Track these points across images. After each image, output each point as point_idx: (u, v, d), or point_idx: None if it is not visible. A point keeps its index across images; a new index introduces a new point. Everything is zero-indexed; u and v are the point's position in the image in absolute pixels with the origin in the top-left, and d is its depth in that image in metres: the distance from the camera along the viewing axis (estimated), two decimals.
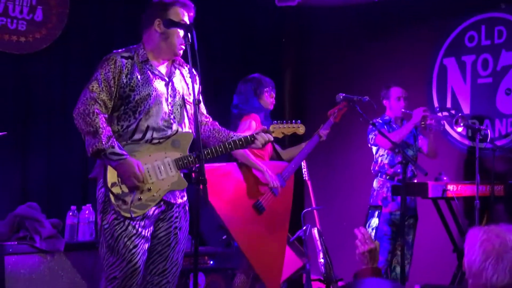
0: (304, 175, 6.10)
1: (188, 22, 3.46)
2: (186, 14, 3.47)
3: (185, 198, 3.56)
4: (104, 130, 3.25)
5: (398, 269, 5.38)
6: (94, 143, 3.24)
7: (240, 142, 3.51)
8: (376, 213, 5.44)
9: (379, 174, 5.49)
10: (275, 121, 3.65)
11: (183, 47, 3.47)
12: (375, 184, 5.51)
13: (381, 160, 5.49)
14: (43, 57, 5.59)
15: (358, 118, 4.73)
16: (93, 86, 3.31)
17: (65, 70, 5.71)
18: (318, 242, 5.93)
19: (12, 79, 5.51)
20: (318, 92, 7.01)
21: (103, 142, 3.23)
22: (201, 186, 3.15)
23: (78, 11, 5.75)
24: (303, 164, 6.02)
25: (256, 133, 3.53)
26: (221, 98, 6.62)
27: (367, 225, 5.51)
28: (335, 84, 6.57)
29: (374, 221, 5.44)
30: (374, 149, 5.57)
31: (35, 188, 5.50)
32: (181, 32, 3.43)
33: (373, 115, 5.22)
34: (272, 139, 3.56)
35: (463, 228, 5.37)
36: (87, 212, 4.98)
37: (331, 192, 6.81)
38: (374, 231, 5.36)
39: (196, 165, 3.33)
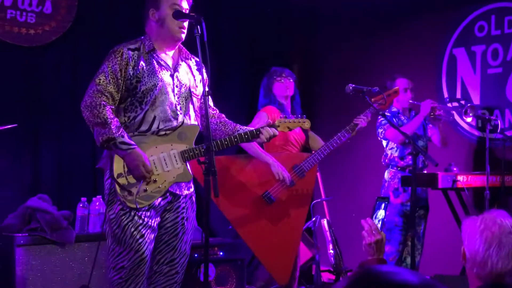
0: None
1: (185, 6, 3.48)
2: (183, 0, 3.48)
3: (191, 190, 3.58)
4: (112, 121, 3.28)
5: (409, 260, 5.38)
6: (105, 132, 3.27)
7: (246, 136, 3.53)
8: (383, 205, 5.42)
9: (390, 166, 5.48)
10: (281, 115, 3.66)
11: (184, 30, 3.47)
12: (386, 175, 5.51)
13: (391, 153, 5.48)
14: (52, 49, 5.61)
15: (368, 109, 4.72)
16: (99, 79, 3.34)
17: (75, 62, 5.72)
18: (328, 233, 5.94)
19: (22, 71, 5.53)
20: (327, 84, 7.01)
21: (113, 131, 3.25)
22: (211, 178, 3.17)
23: (87, 3, 5.76)
24: None
25: (262, 127, 3.54)
26: (228, 90, 6.64)
27: (374, 216, 5.51)
28: (344, 75, 6.55)
29: (381, 213, 5.43)
30: (384, 142, 5.56)
31: (45, 180, 5.53)
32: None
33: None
34: (277, 133, 3.57)
35: None
36: (97, 203, 5.00)
37: (341, 183, 6.81)
38: (380, 222, 5.34)
39: (201, 157, 3.35)
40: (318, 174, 6.09)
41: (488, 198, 5.07)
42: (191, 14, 3.41)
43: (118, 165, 3.33)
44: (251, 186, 4.66)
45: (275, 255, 4.66)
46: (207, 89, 3.33)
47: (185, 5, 3.49)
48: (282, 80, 4.96)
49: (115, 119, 3.31)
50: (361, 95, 4.57)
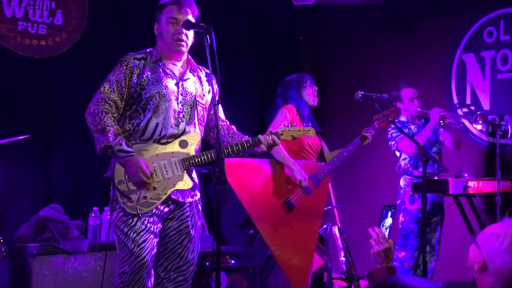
0: None
1: (181, 19, 3.48)
2: (184, 10, 3.51)
3: (196, 197, 3.59)
4: (111, 128, 3.34)
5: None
6: (102, 140, 3.33)
7: (248, 144, 3.53)
8: (389, 213, 5.44)
9: (405, 173, 5.48)
10: (285, 124, 3.67)
11: (182, 43, 3.50)
12: (401, 182, 5.50)
13: (405, 164, 5.48)
14: (63, 60, 5.66)
15: (374, 123, 4.74)
16: (104, 87, 3.42)
17: (86, 73, 5.76)
18: (339, 240, 5.94)
19: (33, 82, 5.58)
20: (336, 91, 7.01)
21: (110, 140, 3.31)
22: (221, 187, 3.16)
23: (97, 14, 5.81)
24: None
25: (263, 136, 3.53)
26: (238, 98, 6.66)
27: (381, 224, 5.51)
28: (353, 83, 6.56)
29: (388, 221, 5.45)
30: (397, 153, 5.56)
31: (58, 190, 5.57)
32: (172, 28, 3.48)
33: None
34: (278, 143, 3.56)
35: (485, 225, 5.34)
36: (109, 213, 5.02)
37: (351, 190, 6.81)
38: (388, 230, 5.35)
39: (204, 165, 3.38)
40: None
41: (499, 203, 5.06)
42: (200, 24, 3.39)
43: (119, 172, 3.39)
44: (276, 191, 4.73)
45: (295, 261, 4.70)
46: (217, 98, 3.34)
47: (183, 18, 3.49)
48: (314, 87, 5.04)
49: (115, 127, 3.37)
50: (370, 102, 4.59)
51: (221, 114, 3.73)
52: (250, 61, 6.95)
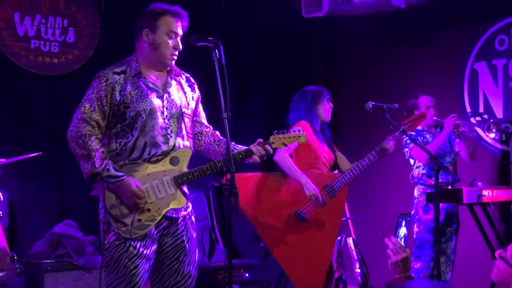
0: None
1: (180, 33, 3.39)
2: (179, 24, 3.38)
3: (189, 209, 3.46)
4: (97, 153, 3.19)
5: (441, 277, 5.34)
6: (88, 167, 3.19)
7: (240, 156, 3.40)
8: (404, 222, 5.41)
9: (419, 183, 5.45)
10: (275, 131, 3.51)
11: (175, 57, 3.40)
12: (415, 192, 5.47)
13: (419, 172, 5.46)
14: (76, 77, 5.69)
15: (389, 126, 4.70)
16: (85, 107, 3.25)
17: None
18: (354, 252, 5.92)
19: (46, 99, 5.64)
20: (349, 102, 7.00)
21: (96, 166, 3.17)
22: (232, 199, 3.10)
23: (108, 31, 5.86)
24: None
25: (254, 146, 3.42)
26: (250, 110, 6.68)
27: (397, 234, 5.48)
28: (365, 93, 6.55)
29: (402, 230, 5.42)
30: (411, 160, 5.54)
31: (72, 207, 5.59)
32: (172, 42, 3.35)
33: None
34: (271, 151, 3.44)
35: (500, 234, 5.31)
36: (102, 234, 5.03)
37: (366, 201, 6.78)
38: (403, 239, 5.32)
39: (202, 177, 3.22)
40: None
41: None
42: (209, 38, 3.33)
43: (110, 196, 3.24)
44: (284, 203, 4.65)
45: (306, 274, 4.64)
46: (225, 115, 3.21)
47: (181, 32, 3.39)
48: (330, 104, 4.96)
49: (100, 150, 3.21)
50: (381, 113, 4.58)
51: (204, 120, 3.61)
52: (263, 73, 6.96)
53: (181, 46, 3.39)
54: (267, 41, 7.01)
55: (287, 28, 7.00)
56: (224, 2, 6.38)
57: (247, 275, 5.25)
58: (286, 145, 3.52)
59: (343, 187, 4.69)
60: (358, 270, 5.78)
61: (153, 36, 3.35)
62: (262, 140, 3.45)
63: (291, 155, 4.71)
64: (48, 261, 4.67)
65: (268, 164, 4.76)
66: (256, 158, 3.41)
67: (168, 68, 3.44)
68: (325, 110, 4.92)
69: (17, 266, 4.29)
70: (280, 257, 4.63)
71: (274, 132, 3.50)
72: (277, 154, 4.63)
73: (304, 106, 4.89)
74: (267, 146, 3.42)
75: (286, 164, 4.62)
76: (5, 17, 5.44)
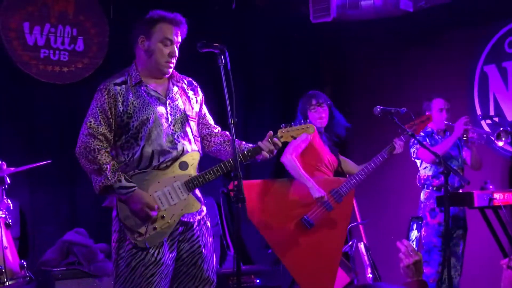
0: None
1: (178, 40, 3.37)
2: (176, 31, 3.36)
3: (203, 213, 3.46)
4: (108, 166, 3.20)
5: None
6: (101, 180, 3.19)
7: (249, 154, 3.38)
8: (415, 225, 5.37)
9: (425, 186, 5.43)
10: (283, 125, 3.48)
11: (171, 65, 3.38)
12: (422, 196, 5.46)
13: (425, 173, 5.44)
14: (86, 86, 5.71)
15: (398, 130, 4.69)
16: (90, 122, 3.26)
17: None
18: (365, 257, 5.88)
19: (56, 108, 5.67)
20: (358, 106, 6.99)
21: (109, 178, 3.18)
22: (240, 205, 3.08)
23: (117, 39, 5.88)
24: None
25: (262, 142, 3.40)
26: (259, 115, 6.68)
27: (408, 237, 5.45)
28: (375, 97, 6.55)
29: (414, 233, 5.38)
30: (418, 162, 5.52)
31: (82, 214, 5.62)
32: (167, 49, 3.33)
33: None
34: (280, 145, 3.42)
35: None
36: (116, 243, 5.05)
37: (376, 205, 6.76)
38: (415, 242, 5.29)
39: (229, 185, 3.20)
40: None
41: None
42: (214, 44, 3.30)
43: (124, 207, 3.25)
44: (290, 210, 4.63)
45: (315, 279, 4.62)
46: (232, 121, 3.19)
47: (177, 38, 3.37)
48: (315, 109, 4.84)
49: (111, 163, 3.22)
50: (389, 117, 4.57)
51: (211, 121, 3.60)
52: (271, 78, 6.98)
53: (177, 53, 3.37)
54: (276, 46, 7.02)
55: (295, 33, 7.00)
56: (233, 7, 6.39)
57: (257, 281, 5.24)
58: (295, 138, 3.49)
59: (349, 191, 4.67)
60: (370, 275, 5.75)
61: (148, 43, 3.34)
62: (271, 133, 3.43)
63: None
64: (58, 269, 4.69)
65: (275, 170, 4.73)
66: (265, 154, 3.38)
67: (167, 75, 3.43)
68: (315, 118, 4.84)
69: (28, 274, 4.31)
70: (289, 263, 4.62)
71: (281, 126, 3.48)
72: (284, 156, 4.62)
73: (300, 112, 4.88)
74: (275, 140, 3.40)
75: (293, 166, 4.60)
76: (14, 27, 5.49)
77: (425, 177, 5.43)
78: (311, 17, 6.21)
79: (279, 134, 3.45)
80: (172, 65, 3.38)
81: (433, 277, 5.29)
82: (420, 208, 5.45)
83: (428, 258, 5.32)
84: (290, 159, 4.60)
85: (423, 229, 5.38)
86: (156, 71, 3.38)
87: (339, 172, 5.04)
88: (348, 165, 5.04)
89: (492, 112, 5.98)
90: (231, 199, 3.20)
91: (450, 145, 5.27)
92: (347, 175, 4.91)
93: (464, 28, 6.25)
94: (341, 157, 5.03)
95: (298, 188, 4.64)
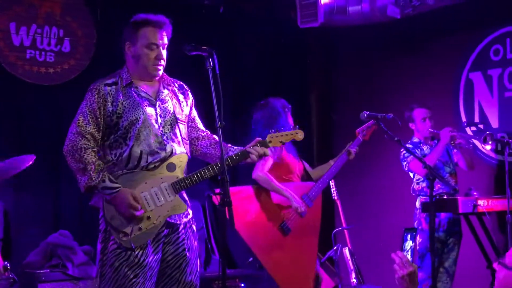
0: (333, 195, 6.10)
1: (164, 42, 3.37)
2: (160, 34, 3.35)
3: (190, 216, 3.46)
4: (93, 166, 3.21)
5: (440, 286, 5.34)
6: (85, 180, 3.20)
7: (237, 157, 3.38)
8: (409, 236, 5.40)
9: (420, 194, 5.44)
10: (272, 130, 3.49)
11: (159, 67, 3.38)
12: (417, 203, 5.45)
13: (419, 185, 5.44)
14: (72, 88, 5.68)
15: (384, 136, 4.71)
16: (79, 121, 3.27)
17: None
18: (350, 262, 5.90)
19: (42, 109, 5.63)
20: (345, 111, 7.02)
21: (93, 178, 3.19)
22: (226, 208, 3.10)
23: (105, 41, 5.86)
24: (332, 183, 6.02)
25: (251, 147, 3.41)
26: (247, 120, 6.68)
27: (403, 248, 5.47)
28: (362, 102, 6.57)
29: (408, 244, 5.40)
30: (411, 174, 5.53)
31: (67, 216, 5.58)
32: (153, 53, 3.33)
33: (400, 133, 5.17)
34: (268, 153, 3.44)
35: (496, 244, 5.30)
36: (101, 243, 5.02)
37: (361, 212, 6.78)
38: (409, 253, 5.31)
39: (216, 189, 3.21)
40: (338, 202, 6.08)
41: (510, 222, 5.01)
42: (203, 47, 3.30)
43: (110, 207, 3.25)
44: (271, 215, 4.70)
45: (295, 284, 4.67)
46: (220, 124, 3.18)
47: (162, 42, 3.36)
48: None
49: (96, 163, 3.23)
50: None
51: (200, 125, 3.60)
52: (260, 83, 6.97)
53: (164, 56, 3.38)
54: (264, 51, 7.02)
55: (283, 38, 7.01)
56: (221, 11, 6.39)
57: (242, 285, 5.24)
58: (283, 143, 3.51)
59: (318, 195, 4.78)
60: (354, 280, 5.77)
61: (134, 48, 3.36)
62: (260, 139, 3.44)
63: None
64: (42, 271, 4.65)
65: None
66: (253, 157, 3.39)
67: (157, 78, 3.44)
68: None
69: (11, 276, 4.28)
70: (270, 268, 4.67)
71: (271, 131, 3.49)
72: (255, 173, 4.68)
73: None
74: (263, 148, 3.40)
75: (266, 180, 4.67)
76: (1, 27, 5.44)
77: (419, 188, 5.43)
78: (298, 22, 6.23)
79: (268, 138, 3.46)
80: (160, 67, 3.39)
81: (425, 283, 5.30)
82: (416, 214, 5.46)
83: (421, 264, 5.33)
84: (261, 175, 4.66)
85: (418, 236, 5.39)
86: (145, 75, 3.40)
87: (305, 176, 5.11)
88: (317, 171, 5.11)
89: (477, 119, 6.02)
90: (218, 202, 3.20)
91: (439, 154, 5.28)
92: (314, 179, 5.00)
93: (451, 35, 6.29)
94: (306, 165, 5.11)
95: (277, 196, 4.73)
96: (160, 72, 3.41)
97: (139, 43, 3.34)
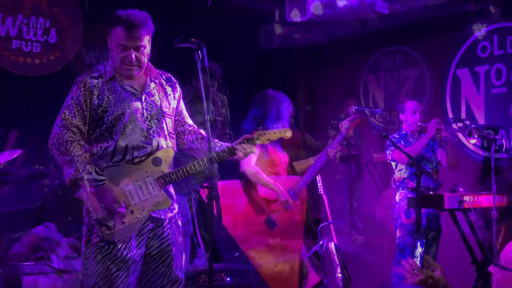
0: (319, 190, 6.09)
1: (137, 44, 3.22)
2: (131, 35, 3.21)
3: (175, 211, 3.43)
4: (79, 158, 3.19)
5: None
6: (71, 172, 3.18)
7: (223, 154, 3.36)
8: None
9: (400, 187, 5.47)
10: (260, 127, 3.46)
11: (131, 67, 3.26)
12: (397, 197, 5.48)
13: (400, 175, 5.47)
14: (58, 78, 5.65)
15: (372, 130, 4.73)
16: (65, 114, 3.24)
17: None
18: (335, 257, 5.90)
19: (28, 100, 5.59)
20: (332, 105, 7.02)
21: (80, 171, 3.17)
22: (214, 202, 3.11)
23: (91, 33, 5.82)
24: (318, 178, 6.01)
25: (238, 143, 3.38)
26: (237, 118, 6.67)
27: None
28: (349, 97, 6.57)
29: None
30: (393, 164, 5.55)
31: (51, 209, 5.54)
32: (122, 54, 3.21)
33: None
34: (254, 150, 3.42)
35: (481, 240, 5.32)
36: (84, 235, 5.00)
37: (348, 206, 6.79)
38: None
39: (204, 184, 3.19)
40: (324, 196, 6.08)
41: (495, 218, 5.04)
42: (192, 40, 3.28)
43: (94, 199, 3.20)
44: (257, 210, 4.71)
45: (281, 278, 4.68)
46: (208, 118, 3.21)
47: (133, 44, 3.22)
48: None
49: (82, 156, 3.21)
50: (363, 117, 4.61)
51: (187, 119, 3.54)
52: (247, 78, 6.96)
53: (138, 58, 3.25)
54: (252, 46, 7.00)
55: (271, 33, 7.00)
56: (209, 5, 6.36)
57: (228, 279, 5.23)
58: (271, 141, 3.48)
59: (303, 189, 4.80)
60: (340, 275, 5.75)
61: (110, 45, 3.28)
62: (248, 136, 3.42)
63: None
64: (27, 263, 4.61)
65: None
66: (240, 154, 3.36)
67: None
68: None
69: None
70: (257, 262, 4.68)
71: (258, 128, 3.46)
72: (242, 166, 4.65)
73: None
74: (250, 145, 3.38)
75: (255, 175, 4.67)
76: None
77: (400, 179, 5.46)
78: (287, 16, 6.21)
79: (255, 136, 3.43)
80: (132, 68, 3.28)
81: None
82: (395, 208, 5.48)
83: (401, 258, 5.35)
84: (250, 169, 4.66)
85: (398, 230, 5.42)
86: (121, 73, 3.31)
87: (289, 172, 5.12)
88: (300, 165, 5.12)
89: (463, 116, 6.04)
90: (206, 196, 3.19)
91: (423, 145, 5.31)
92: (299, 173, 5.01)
93: (438, 32, 6.30)
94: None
95: (264, 189, 4.72)
96: (133, 73, 3.30)
97: (113, 41, 3.26)
